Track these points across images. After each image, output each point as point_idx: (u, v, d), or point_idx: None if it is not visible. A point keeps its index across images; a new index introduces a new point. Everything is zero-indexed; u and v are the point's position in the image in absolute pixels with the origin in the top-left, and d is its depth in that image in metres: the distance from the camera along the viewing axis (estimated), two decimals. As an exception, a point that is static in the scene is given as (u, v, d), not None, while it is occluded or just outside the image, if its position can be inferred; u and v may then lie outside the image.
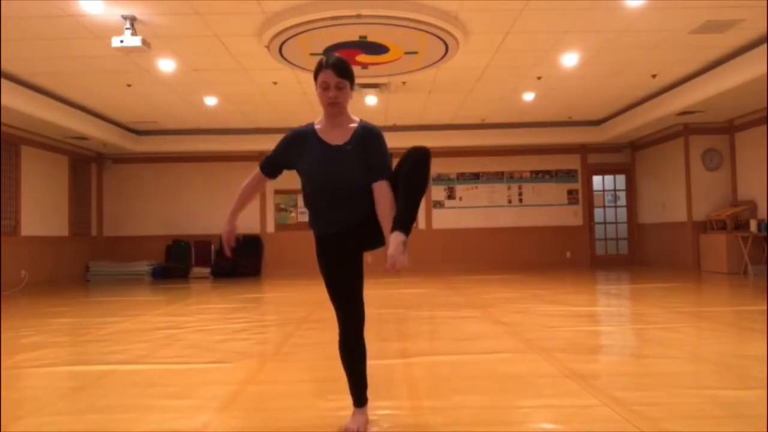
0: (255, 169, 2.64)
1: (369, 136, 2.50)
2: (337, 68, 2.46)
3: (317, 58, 6.63)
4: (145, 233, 12.73)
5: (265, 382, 3.51)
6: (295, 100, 9.70)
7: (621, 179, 13.33)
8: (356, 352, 2.58)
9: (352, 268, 2.56)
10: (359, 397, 2.60)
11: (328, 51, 6.94)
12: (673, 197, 11.42)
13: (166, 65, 7.56)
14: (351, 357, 2.58)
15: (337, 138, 2.50)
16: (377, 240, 2.51)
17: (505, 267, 12.49)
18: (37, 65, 7.46)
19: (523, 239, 12.99)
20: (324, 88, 2.47)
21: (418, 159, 2.36)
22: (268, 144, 11.89)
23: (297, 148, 2.53)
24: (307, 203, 2.59)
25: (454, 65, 7.64)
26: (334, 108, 2.48)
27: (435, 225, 12.95)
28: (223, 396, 3.15)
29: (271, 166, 2.62)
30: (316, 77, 2.51)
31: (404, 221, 2.32)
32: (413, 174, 2.34)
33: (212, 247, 12.54)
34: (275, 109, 10.24)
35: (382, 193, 2.42)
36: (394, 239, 2.28)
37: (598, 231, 13.31)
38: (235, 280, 11.38)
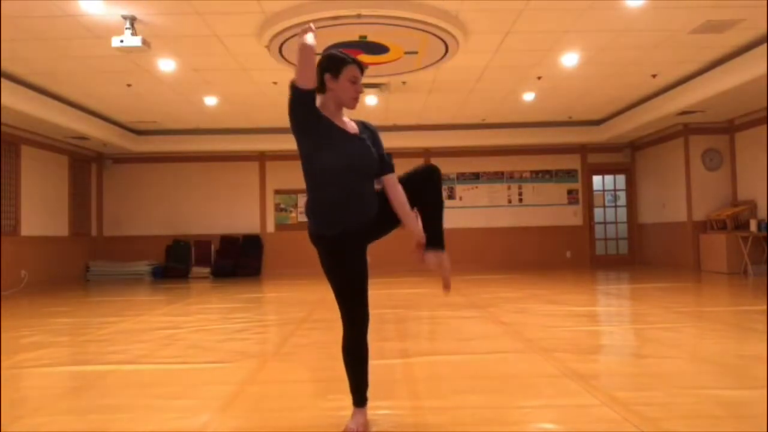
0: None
1: (374, 132, 2.62)
2: (361, 67, 2.55)
3: (317, 58, 6.50)
4: (145, 233, 12.72)
5: (265, 382, 3.51)
6: (295, 100, 9.68)
7: (621, 179, 13.33)
8: (360, 353, 2.58)
9: (360, 268, 2.54)
10: (360, 398, 2.60)
11: (327, 50, 6.93)
12: (673, 197, 11.42)
13: (166, 65, 7.56)
14: (355, 358, 2.57)
15: (349, 129, 2.56)
16: (380, 234, 2.58)
17: (505, 267, 12.49)
18: (37, 65, 7.46)
19: (523, 239, 12.99)
20: (353, 81, 2.53)
21: (435, 179, 2.55)
22: (268, 144, 11.86)
23: (318, 113, 2.51)
24: (319, 196, 2.50)
25: (454, 65, 7.63)
26: (356, 103, 2.58)
27: (435, 225, 12.93)
28: (223, 396, 3.15)
29: (313, 92, 2.46)
30: (338, 69, 2.52)
31: (441, 238, 2.56)
32: (433, 194, 2.54)
33: (212, 247, 12.54)
34: (275, 109, 10.23)
35: (396, 186, 2.54)
36: (442, 259, 2.54)
37: (598, 231, 13.31)
38: (235, 280, 11.38)
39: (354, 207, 2.48)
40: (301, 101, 2.45)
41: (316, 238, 2.55)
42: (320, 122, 2.50)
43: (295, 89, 2.44)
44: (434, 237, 2.54)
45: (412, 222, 2.54)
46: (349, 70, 2.52)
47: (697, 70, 8.35)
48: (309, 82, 2.42)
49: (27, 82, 8.17)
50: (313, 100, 2.46)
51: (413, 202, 2.53)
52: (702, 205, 10.77)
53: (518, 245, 12.96)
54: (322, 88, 2.56)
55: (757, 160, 9.85)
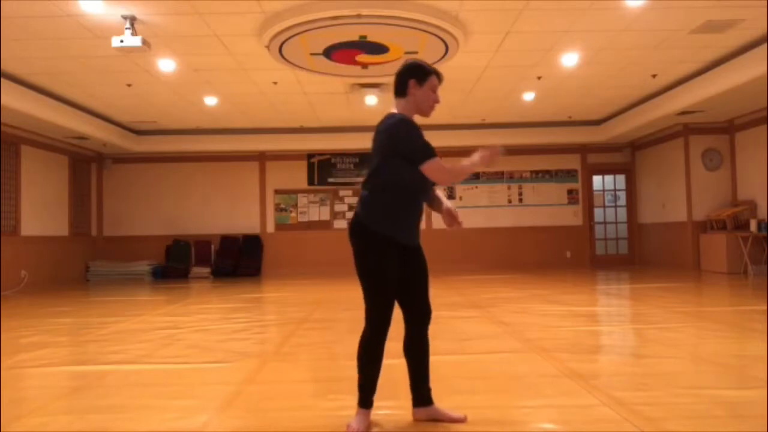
0: (437, 163, 2.53)
1: None
2: (440, 77, 2.71)
3: (317, 58, 6.65)
4: (145, 233, 12.73)
5: (265, 382, 3.51)
6: (295, 100, 9.70)
7: (621, 179, 13.33)
8: (380, 355, 2.62)
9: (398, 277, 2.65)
10: (367, 399, 2.61)
11: (327, 50, 6.94)
12: (673, 197, 11.42)
13: (166, 65, 7.56)
14: (376, 359, 2.61)
15: None
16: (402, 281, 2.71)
17: (505, 267, 12.49)
18: (37, 65, 7.46)
19: (523, 239, 12.99)
20: (434, 90, 2.67)
21: (428, 324, 2.72)
22: (268, 144, 11.83)
23: None
24: (402, 208, 2.60)
25: (454, 65, 7.63)
26: (433, 111, 2.71)
27: (435, 225, 12.92)
28: (223, 396, 3.15)
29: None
30: (424, 77, 2.65)
31: (430, 391, 2.72)
32: (424, 345, 2.73)
33: (212, 247, 12.54)
34: (275, 109, 10.24)
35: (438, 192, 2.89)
36: (435, 412, 2.69)
37: (598, 231, 13.32)
38: (235, 280, 11.38)
39: (419, 221, 2.69)
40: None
41: (377, 238, 2.56)
42: None
43: (434, 161, 2.54)
44: (426, 391, 2.71)
45: (446, 202, 2.81)
46: (432, 80, 2.67)
47: (697, 70, 8.35)
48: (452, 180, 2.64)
49: (27, 82, 8.18)
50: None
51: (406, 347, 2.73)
52: (702, 205, 10.77)
53: (518, 245, 12.96)
54: (403, 92, 2.66)
55: (757, 160, 9.85)
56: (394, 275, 2.58)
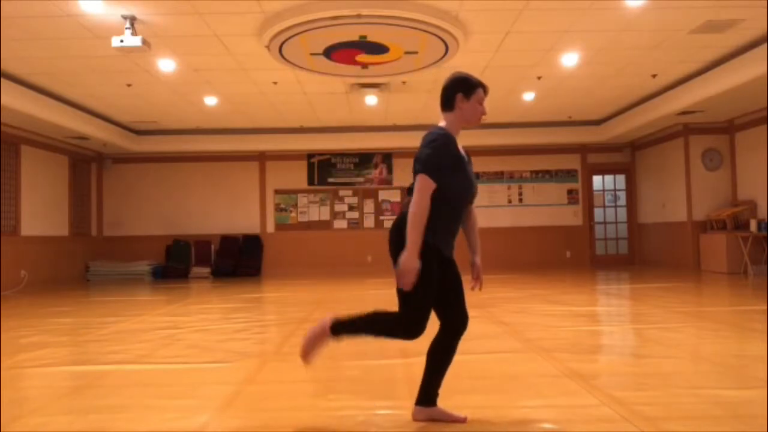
0: (425, 183, 2.45)
1: (469, 155, 2.76)
2: (486, 90, 2.70)
3: (317, 58, 6.69)
4: (145, 233, 12.73)
5: (265, 382, 3.51)
6: (295, 100, 9.70)
7: (621, 179, 13.34)
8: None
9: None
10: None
11: (327, 50, 6.94)
12: (673, 197, 11.42)
13: (166, 65, 7.57)
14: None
15: (464, 155, 2.69)
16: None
17: (505, 267, 12.49)
18: (37, 65, 7.46)
19: (523, 239, 12.99)
20: (480, 103, 2.66)
21: (457, 342, 2.67)
22: (268, 144, 11.82)
23: (456, 151, 2.60)
24: (442, 218, 2.56)
25: (454, 65, 7.63)
26: (480, 122, 2.72)
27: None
28: (223, 396, 3.15)
29: (440, 169, 2.51)
30: (471, 91, 2.64)
31: (437, 395, 2.67)
32: (451, 354, 2.67)
33: (212, 247, 12.54)
34: (275, 109, 10.24)
35: (474, 212, 2.83)
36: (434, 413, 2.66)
37: (598, 231, 13.32)
38: (235, 280, 11.38)
39: (457, 232, 2.67)
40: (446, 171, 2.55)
41: (432, 249, 2.55)
42: (461, 161, 2.61)
43: (429, 179, 2.49)
44: (435, 394, 2.67)
45: (479, 254, 2.80)
46: (479, 92, 2.66)
47: (697, 70, 8.35)
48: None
49: (27, 82, 8.18)
50: (441, 169, 2.51)
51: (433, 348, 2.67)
52: (702, 205, 10.77)
53: (518, 245, 12.96)
54: (450, 106, 2.66)
55: (757, 160, 9.85)
56: (436, 282, 2.58)
